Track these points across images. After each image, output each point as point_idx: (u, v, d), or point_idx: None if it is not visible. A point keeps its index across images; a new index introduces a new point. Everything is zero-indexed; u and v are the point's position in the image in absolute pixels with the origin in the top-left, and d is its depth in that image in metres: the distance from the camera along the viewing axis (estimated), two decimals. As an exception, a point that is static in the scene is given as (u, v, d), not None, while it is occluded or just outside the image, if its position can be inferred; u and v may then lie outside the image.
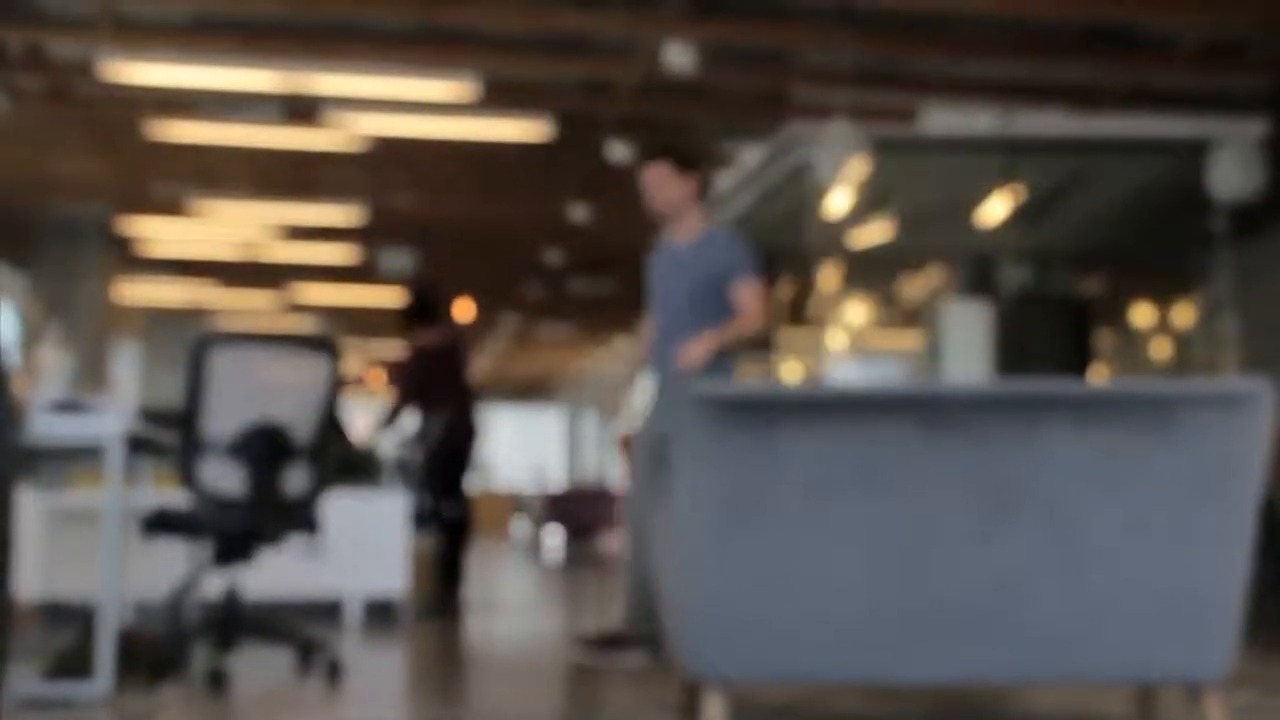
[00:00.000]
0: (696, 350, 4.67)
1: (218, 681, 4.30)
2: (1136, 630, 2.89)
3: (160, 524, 4.50)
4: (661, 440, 4.84)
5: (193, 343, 4.41)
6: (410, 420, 7.67)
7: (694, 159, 5.00)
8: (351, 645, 5.85)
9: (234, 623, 4.61)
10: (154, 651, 4.39)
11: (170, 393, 17.28)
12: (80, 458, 4.73)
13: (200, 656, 4.99)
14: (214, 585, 6.16)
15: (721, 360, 4.88)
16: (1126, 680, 2.96)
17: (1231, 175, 8.31)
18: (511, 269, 14.97)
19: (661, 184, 4.94)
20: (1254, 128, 8.45)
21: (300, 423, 4.57)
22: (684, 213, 4.96)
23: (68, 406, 4.36)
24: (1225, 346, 9.48)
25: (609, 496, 19.80)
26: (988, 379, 3.07)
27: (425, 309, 7.32)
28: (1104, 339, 10.90)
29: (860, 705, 3.87)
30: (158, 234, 12.98)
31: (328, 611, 7.02)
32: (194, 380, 4.36)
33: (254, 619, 4.77)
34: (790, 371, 11.33)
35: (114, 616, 4.10)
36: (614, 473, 22.85)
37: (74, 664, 4.21)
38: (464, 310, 17.19)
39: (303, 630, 4.91)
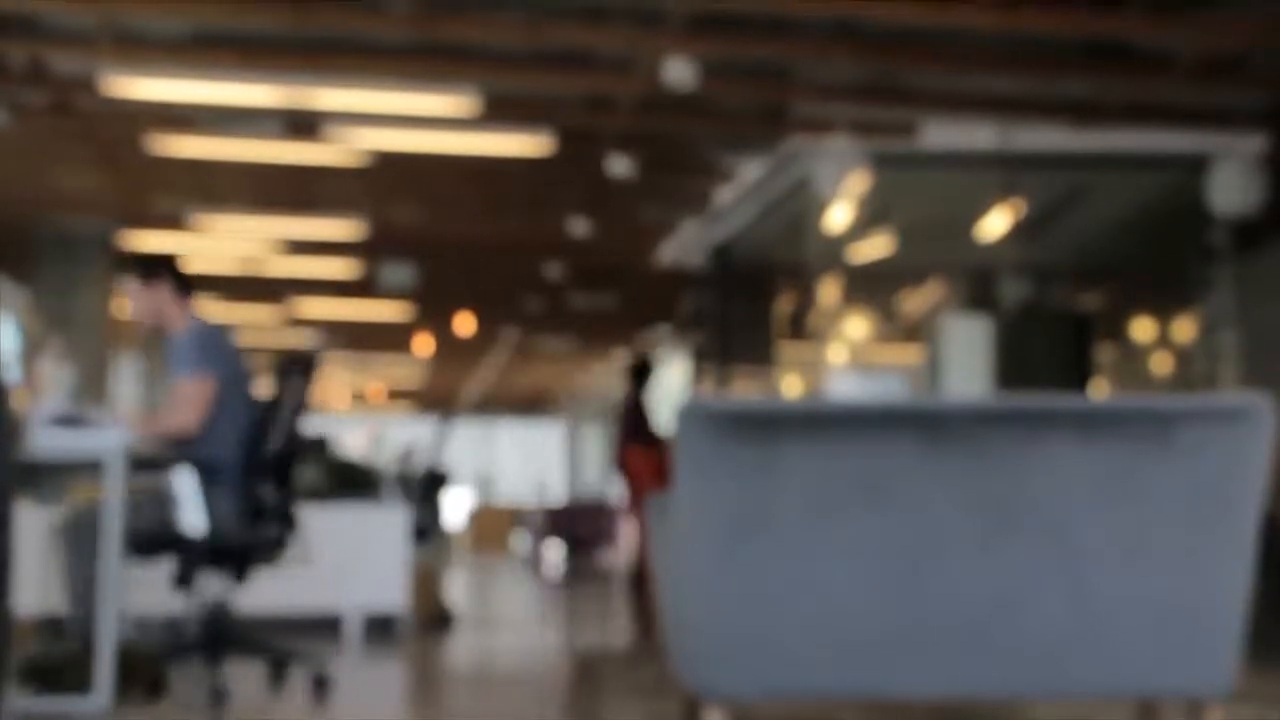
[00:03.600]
0: (130, 426, 4.52)
1: (218, 698, 4.31)
2: (1137, 645, 2.88)
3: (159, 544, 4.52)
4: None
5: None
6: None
7: (156, 266, 4.89)
8: (350, 660, 5.83)
9: (223, 638, 4.61)
10: (151, 667, 4.39)
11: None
12: (80, 472, 4.72)
13: (193, 671, 4.98)
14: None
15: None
16: (1127, 695, 2.95)
17: (1231, 190, 8.31)
18: (511, 283, 14.97)
19: (134, 299, 4.89)
20: (1254, 143, 8.45)
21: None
22: (165, 319, 4.86)
23: (68, 420, 4.36)
24: (1226, 361, 9.46)
25: (609, 511, 19.77)
26: (988, 394, 3.07)
27: (636, 372, 9.55)
28: (1104, 354, 10.89)
29: (861, 721, 3.86)
30: (158, 248, 12.98)
31: (327, 627, 7.01)
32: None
33: (237, 633, 4.77)
34: (791, 386, 11.32)
35: (112, 631, 4.09)
36: (614, 487, 22.84)
37: (50, 673, 4.20)
38: (464, 325, 17.19)
39: (278, 643, 4.90)
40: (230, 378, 4.72)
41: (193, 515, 4.42)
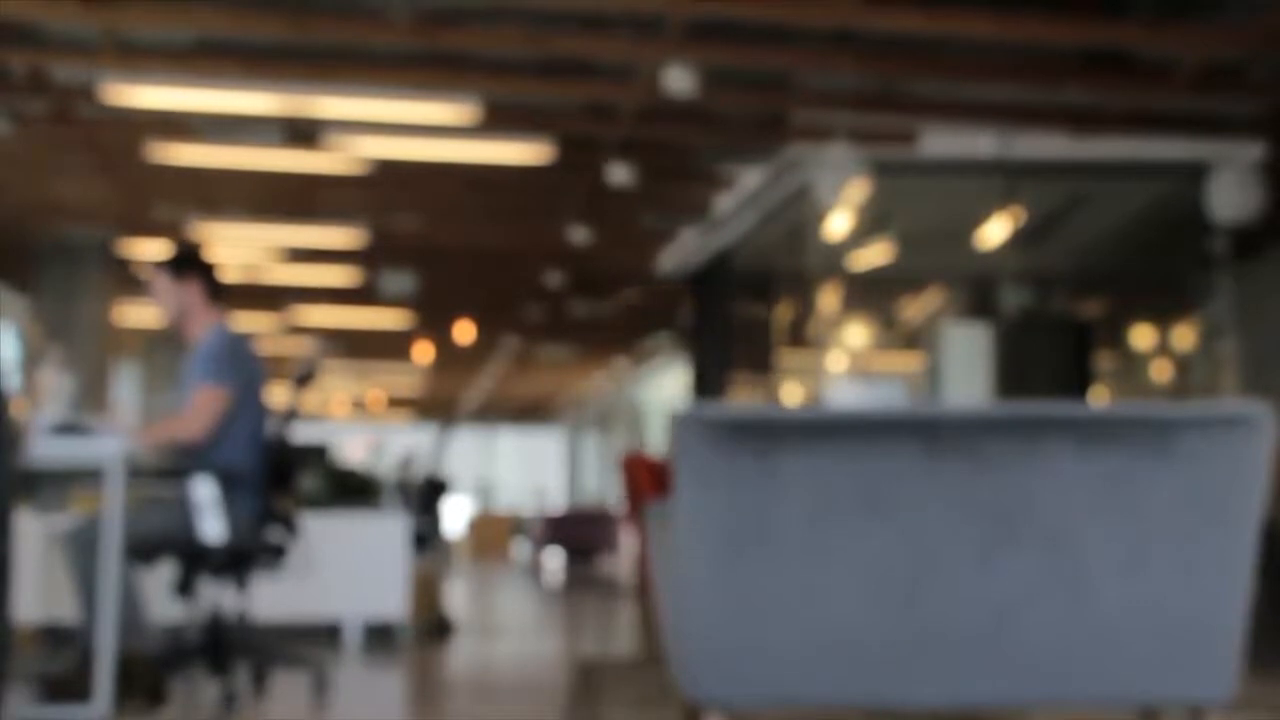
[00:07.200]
0: (132, 439, 4.43)
1: (229, 703, 4.32)
2: (1138, 653, 2.88)
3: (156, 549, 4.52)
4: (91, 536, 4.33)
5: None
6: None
7: (190, 263, 4.85)
8: (350, 668, 5.83)
9: (229, 644, 4.62)
10: (151, 674, 4.39)
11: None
12: (80, 480, 4.73)
13: (195, 678, 4.98)
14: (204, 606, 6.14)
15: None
16: (1128, 703, 2.95)
17: (1231, 198, 8.31)
18: (512, 291, 14.98)
19: (160, 292, 4.86)
20: (1253, 150, 8.46)
21: None
22: (188, 318, 4.82)
23: (68, 429, 4.36)
24: (1225, 369, 9.46)
25: (609, 518, 19.77)
26: (988, 401, 3.07)
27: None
28: (1104, 361, 10.88)
29: (861, 729, 3.86)
30: (157, 256, 12.99)
31: (327, 634, 7.01)
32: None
33: (243, 639, 4.77)
34: (790, 393, 11.31)
35: (112, 639, 4.09)
36: (614, 495, 22.85)
37: (69, 686, 4.20)
38: (464, 332, 17.20)
39: (283, 648, 4.91)
40: (249, 386, 4.72)
41: (213, 523, 4.43)
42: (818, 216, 8.90)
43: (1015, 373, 9.43)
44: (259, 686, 4.76)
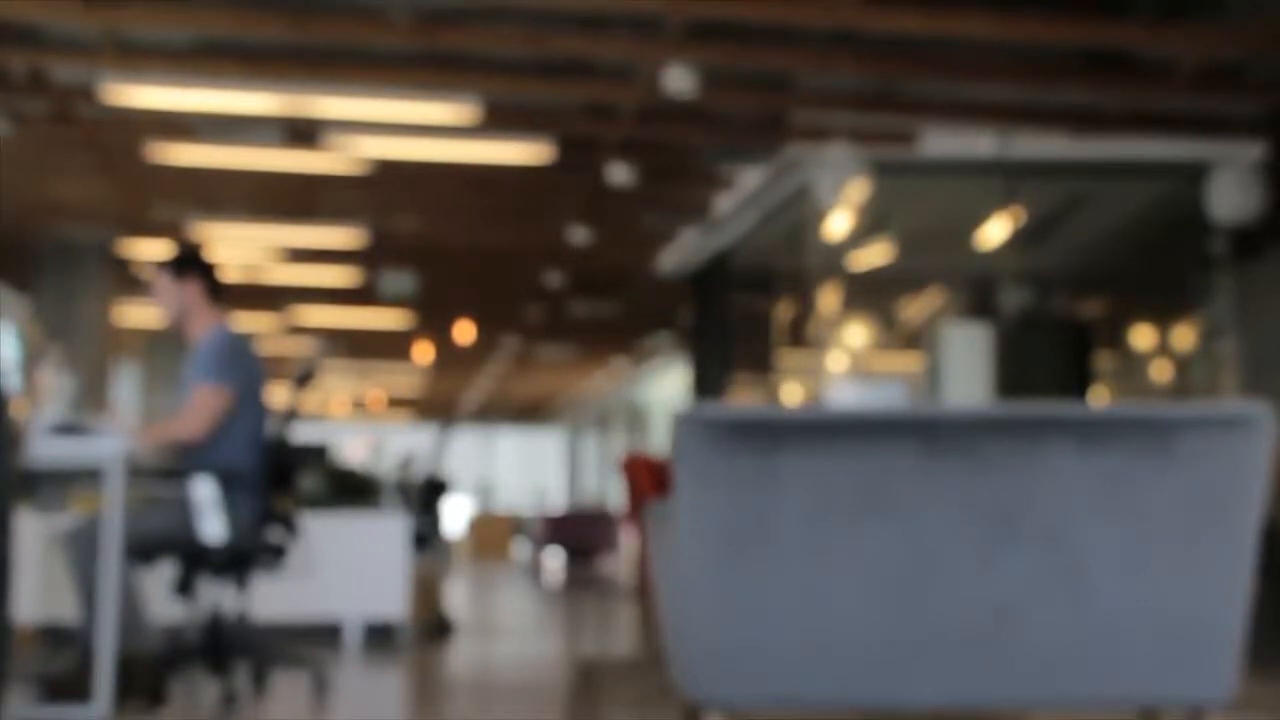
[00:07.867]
0: (133, 439, 4.40)
1: (229, 703, 4.32)
2: (1138, 654, 2.88)
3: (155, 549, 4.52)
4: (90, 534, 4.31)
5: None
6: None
7: (190, 263, 4.84)
8: (350, 668, 5.83)
9: (230, 644, 4.61)
10: (151, 674, 4.39)
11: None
12: (80, 480, 4.73)
13: (195, 678, 4.98)
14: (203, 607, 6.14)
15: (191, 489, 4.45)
16: (1128, 704, 2.95)
17: (1231, 198, 8.31)
18: (512, 291, 14.98)
19: (161, 293, 4.85)
20: (1253, 151, 8.46)
21: None
22: (189, 318, 4.81)
23: (68, 429, 4.36)
24: (1225, 369, 9.46)
25: (609, 518, 19.77)
26: (988, 402, 3.07)
27: None
28: (1104, 361, 10.88)
29: (861, 729, 3.86)
30: (158, 256, 12.98)
31: (327, 635, 7.00)
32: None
33: (243, 639, 4.76)
34: (790, 393, 11.31)
35: (112, 639, 4.09)
36: (614, 495, 22.85)
37: (69, 686, 4.20)
38: (464, 332, 17.20)
39: (283, 648, 4.91)
40: (249, 386, 4.71)
41: (213, 523, 4.43)
42: (818, 216, 8.90)
43: (1015, 373, 9.43)
44: (259, 686, 4.76)
